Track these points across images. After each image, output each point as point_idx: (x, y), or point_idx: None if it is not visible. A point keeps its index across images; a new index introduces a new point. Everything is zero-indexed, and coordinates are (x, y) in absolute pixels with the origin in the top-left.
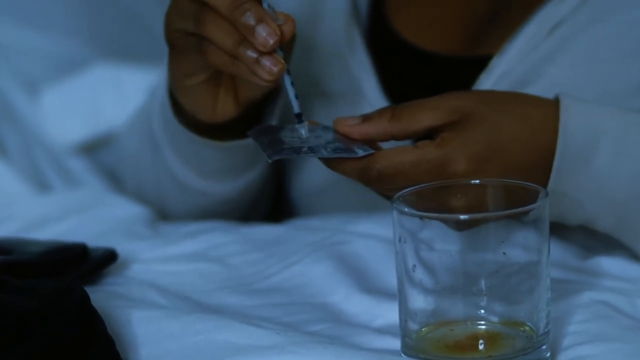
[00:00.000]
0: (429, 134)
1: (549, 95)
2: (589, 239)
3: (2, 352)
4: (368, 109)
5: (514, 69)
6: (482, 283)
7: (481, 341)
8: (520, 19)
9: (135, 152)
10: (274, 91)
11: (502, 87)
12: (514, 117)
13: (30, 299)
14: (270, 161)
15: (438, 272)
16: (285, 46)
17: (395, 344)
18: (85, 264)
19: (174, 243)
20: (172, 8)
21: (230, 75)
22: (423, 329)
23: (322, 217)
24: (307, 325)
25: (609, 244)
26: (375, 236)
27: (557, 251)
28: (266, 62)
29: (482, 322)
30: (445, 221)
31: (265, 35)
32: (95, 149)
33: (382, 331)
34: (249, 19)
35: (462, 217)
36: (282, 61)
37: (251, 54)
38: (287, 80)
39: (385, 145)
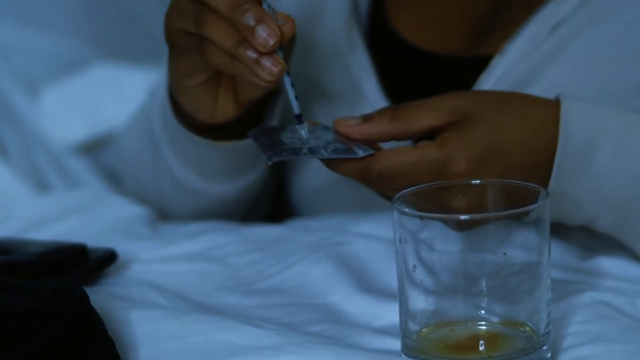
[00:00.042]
0: (430, 135)
1: (550, 95)
2: (590, 239)
3: (2, 352)
4: (368, 109)
5: (514, 69)
6: (483, 283)
7: (482, 342)
8: (521, 19)
9: (135, 153)
10: (274, 92)
11: (503, 87)
12: (514, 117)
13: (30, 299)
14: (270, 163)
15: (438, 273)
16: (285, 47)
17: (396, 344)
18: (85, 264)
19: (174, 243)
20: (172, 8)
21: (230, 76)
22: (423, 330)
23: (322, 218)
24: (307, 326)
25: (609, 245)
26: (376, 236)
27: (558, 251)
28: (266, 62)
29: (483, 323)
30: (445, 221)
31: (265, 35)
32: (95, 149)
33: (383, 332)
34: (249, 19)
35: (462, 217)
36: (282, 61)
37: (251, 54)
38: (287, 81)
39: (385, 145)
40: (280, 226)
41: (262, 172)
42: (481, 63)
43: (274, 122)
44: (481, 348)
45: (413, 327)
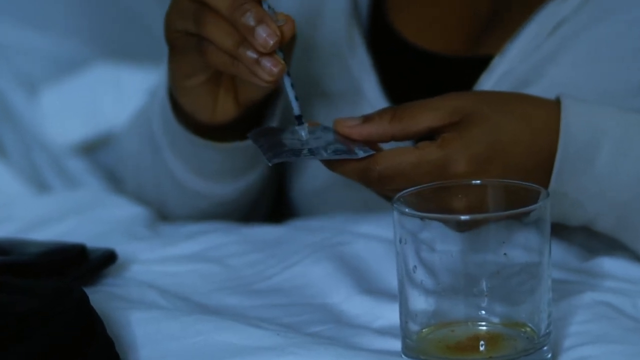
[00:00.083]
0: (430, 135)
1: (551, 95)
2: (591, 239)
3: (2, 352)
4: (368, 109)
5: (515, 69)
6: (483, 284)
7: (482, 342)
8: (522, 19)
9: (135, 153)
10: (275, 92)
11: (504, 87)
12: (515, 118)
13: (30, 299)
14: (270, 164)
15: (439, 273)
16: (285, 47)
17: (396, 345)
18: (85, 264)
19: (174, 244)
20: (172, 8)
21: (230, 76)
22: (424, 330)
23: (323, 218)
24: (308, 326)
25: (610, 245)
26: (376, 237)
27: (559, 252)
28: (266, 62)
29: (483, 323)
30: (446, 222)
31: (265, 36)
32: (94, 149)
33: (383, 332)
34: (249, 19)
35: (462, 217)
36: (282, 62)
37: (251, 54)
38: (287, 82)
39: (385, 146)
40: (281, 226)
41: (263, 173)
42: (482, 63)
43: (275, 122)
44: (482, 348)
45: (413, 327)
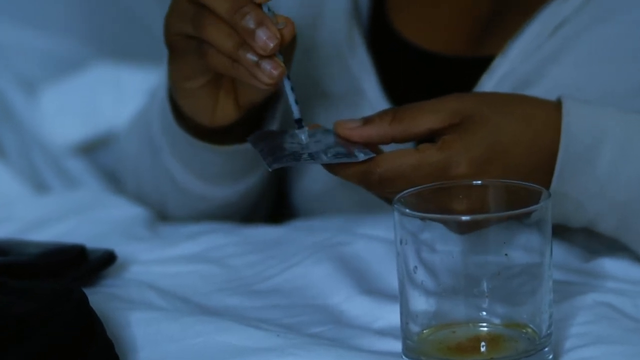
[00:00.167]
0: (431, 137)
1: (553, 95)
2: (592, 240)
3: (2, 352)
4: (368, 110)
5: (516, 69)
6: (484, 285)
7: (483, 343)
8: (523, 19)
9: (135, 156)
10: (275, 95)
11: (505, 87)
12: (515, 119)
13: (28, 301)
14: (270, 169)
15: (439, 274)
16: (285, 50)
17: (397, 346)
18: (84, 265)
19: (174, 244)
20: (172, 11)
21: (230, 79)
22: (424, 331)
23: (323, 218)
24: (308, 327)
25: (611, 246)
26: (377, 237)
27: (560, 252)
28: (266, 65)
29: (484, 324)
30: (446, 223)
31: (265, 38)
32: (94, 150)
33: (383, 333)
34: (249, 22)
35: (463, 218)
36: (282, 65)
37: (251, 57)
38: (287, 86)
39: (386, 148)
40: (281, 227)
41: (262, 175)
42: (483, 63)
43: (275, 125)
44: (482, 349)
45: (414, 328)
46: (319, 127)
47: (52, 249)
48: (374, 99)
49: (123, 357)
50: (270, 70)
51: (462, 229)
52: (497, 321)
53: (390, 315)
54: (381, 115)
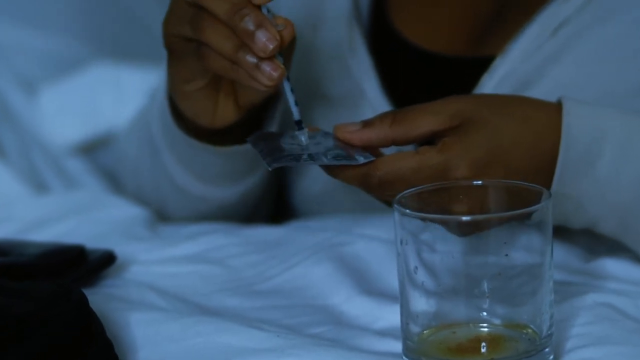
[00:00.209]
0: (431, 139)
1: (553, 95)
2: (593, 240)
3: (2, 352)
4: (369, 110)
5: (517, 70)
6: (485, 285)
7: (483, 344)
8: (524, 19)
9: (134, 157)
10: (275, 95)
11: (505, 87)
12: (515, 121)
13: (27, 301)
14: (270, 169)
15: (440, 274)
16: (285, 51)
17: (397, 346)
18: (84, 265)
19: (174, 245)
20: (170, 13)
21: (230, 80)
22: (425, 332)
23: (323, 219)
24: (308, 328)
25: (612, 246)
26: (377, 238)
27: (561, 253)
28: (266, 67)
29: (485, 325)
30: (447, 223)
31: (264, 40)
32: (94, 150)
33: (384, 334)
34: (248, 24)
35: (464, 218)
36: (282, 66)
37: (250, 59)
38: (287, 87)
39: (386, 150)
40: (281, 227)
41: (263, 176)
42: (483, 63)
43: (274, 125)
44: (483, 350)
45: (414, 329)
46: (319, 130)
47: (51, 250)
48: (375, 100)
49: (122, 357)
50: (270, 72)
51: (463, 229)
52: (497, 322)
53: (391, 316)
54: (381, 118)
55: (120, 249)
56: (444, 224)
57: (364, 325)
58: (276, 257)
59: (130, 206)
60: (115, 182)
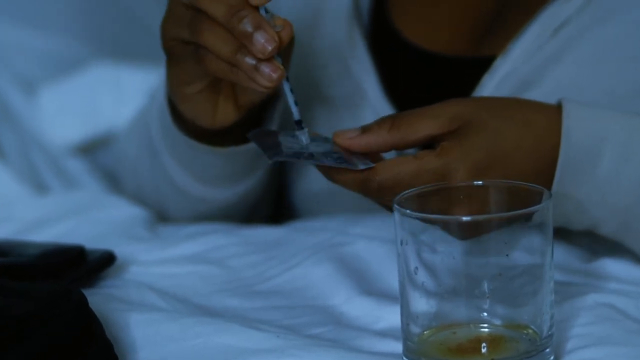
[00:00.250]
0: (430, 143)
1: (554, 95)
2: (593, 241)
3: (2, 352)
4: (369, 111)
5: (517, 70)
6: (485, 285)
7: (484, 344)
8: (524, 19)
9: (134, 158)
10: (274, 95)
11: (506, 88)
12: (515, 123)
13: (26, 302)
14: (270, 162)
15: (440, 275)
16: (284, 52)
17: (397, 347)
18: (83, 266)
19: (173, 245)
20: (168, 16)
21: (229, 82)
22: (425, 332)
23: (323, 219)
24: (308, 328)
25: (613, 246)
26: (377, 238)
27: (561, 253)
28: (265, 68)
29: (485, 325)
30: (447, 226)
31: (263, 41)
32: (93, 150)
33: (384, 334)
34: (247, 25)
35: (464, 219)
36: (281, 67)
37: (249, 61)
38: (287, 87)
39: (386, 155)
40: (281, 227)
41: (262, 177)
42: (484, 63)
43: (274, 125)
44: (483, 350)
45: (415, 329)
46: (318, 135)
47: (51, 250)
48: (375, 100)
49: (122, 357)
50: (270, 73)
51: (464, 233)
52: (498, 322)
53: (391, 316)
54: (379, 123)
55: (120, 250)
56: (445, 224)
57: (364, 326)
58: (276, 257)
59: (130, 206)
60: (115, 183)
